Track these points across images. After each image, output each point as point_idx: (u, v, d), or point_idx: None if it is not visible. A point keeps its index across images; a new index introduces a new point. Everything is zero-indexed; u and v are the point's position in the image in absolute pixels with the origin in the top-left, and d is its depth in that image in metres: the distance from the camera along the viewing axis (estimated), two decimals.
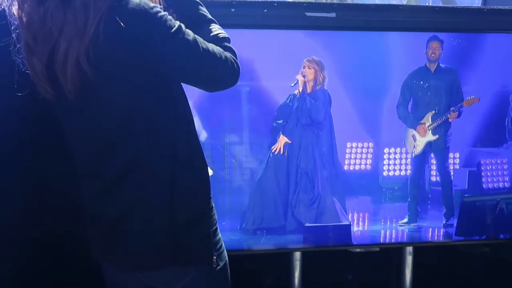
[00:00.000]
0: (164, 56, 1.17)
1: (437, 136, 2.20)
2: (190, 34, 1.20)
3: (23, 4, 1.13)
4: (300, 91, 2.09)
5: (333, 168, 2.15)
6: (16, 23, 1.16)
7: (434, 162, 2.26)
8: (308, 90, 2.10)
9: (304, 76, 2.07)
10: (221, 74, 1.27)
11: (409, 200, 2.24)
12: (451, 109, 2.17)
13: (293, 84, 2.08)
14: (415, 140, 2.21)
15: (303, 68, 2.07)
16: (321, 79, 2.08)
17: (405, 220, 2.24)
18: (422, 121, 2.19)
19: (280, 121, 2.10)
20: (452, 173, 2.23)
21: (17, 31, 1.17)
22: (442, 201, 2.24)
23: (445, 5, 2.09)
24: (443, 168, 2.24)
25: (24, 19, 1.14)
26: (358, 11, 2.00)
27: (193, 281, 1.33)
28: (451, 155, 2.23)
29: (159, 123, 1.24)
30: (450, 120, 2.18)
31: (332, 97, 2.10)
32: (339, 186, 2.17)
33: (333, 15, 1.98)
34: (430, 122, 2.19)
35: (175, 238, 1.28)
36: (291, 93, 2.10)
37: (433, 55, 2.11)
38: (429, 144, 2.22)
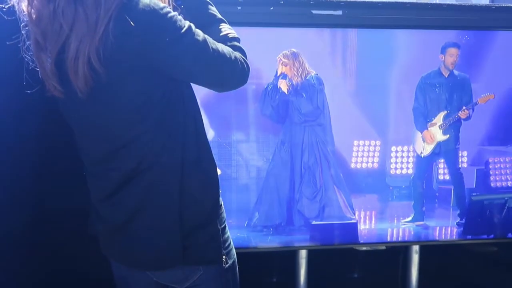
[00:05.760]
0: (174, 57, 1.17)
1: (448, 136, 2.19)
2: (200, 34, 1.19)
3: (32, 0, 1.13)
4: (287, 92, 2.05)
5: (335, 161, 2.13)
6: (25, 19, 1.15)
7: (442, 161, 2.25)
8: (295, 83, 2.04)
9: (285, 77, 2.04)
10: (231, 74, 1.26)
11: (414, 199, 2.23)
12: (464, 107, 2.16)
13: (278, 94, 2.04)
14: (424, 141, 2.20)
15: (280, 68, 2.01)
16: (296, 69, 2.01)
17: (409, 219, 2.23)
18: (433, 121, 2.18)
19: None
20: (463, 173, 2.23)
21: (27, 27, 1.16)
22: (455, 202, 2.23)
23: (454, 3, 2.08)
24: (454, 169, 2.23)
25: (34, 15, 1.13)
26: (364, 9, 1.99)
27: (202, 279, 1.33)
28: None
29: (168, 123, 1.23)
30: (462, 117, 2.16)
31: (325, 84, 2.06)
32: (344, 183, 2.17)
33: (339, 12, 1.97)
34: (442, 122, 2.18)
35: (184, 238, 1.28)
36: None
37: (453, 63, 2.10)
38: (438, 145, 2.21)
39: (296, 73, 2.02)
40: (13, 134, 1.67)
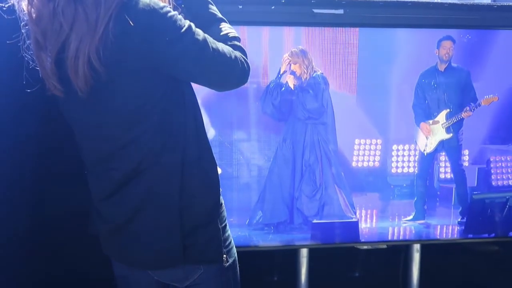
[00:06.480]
0: (174, 57, 1.16)
1: (451, 134, 2.19)
2: (200, 33, 1.19)
3: None
4: (293, 88, 2.06)
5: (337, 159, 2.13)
6: (25, 18, 1.15)
7: (443, 160, 2.25)
8: (303, 79, 2.06)
9: (293, 73, 2.04)
10: (231, 74, 1.26)
11: (415, 198, 2.23)
12: (467, 108, 2.16)
13: (283, 89, 2.05)
14: (427, 138, 2.20)
15: (288, 66, 2.03)
16: (306, 67, 2.03)
17: (410, 217, 2.23)
18: (436, 119, 2.18)
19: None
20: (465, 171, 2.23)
21: (27, 27, 1.16)
22: (457, 200, 2.23)
23: (455, 2, 2.07)
24: (456, 167, 2.23)
25: (34, 14, 1.13)
26: (366, 8, 1.98)
27: (203, 278, 1.33)
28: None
29: (168, 123, 1.23)
30: (464, 117, 2.17)
31: (330, 83, 2.07)
32: (345, 181, 2.16)
33: (341, 11, 1.97)
34: (445, 121, 2.18)
35: (184, 238, 1.28)
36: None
37: (447, 55, 2.10)
38: (441, 143, 2.21)
39: (305, 70, 2.03)
40: (13, 133, 1.67)
